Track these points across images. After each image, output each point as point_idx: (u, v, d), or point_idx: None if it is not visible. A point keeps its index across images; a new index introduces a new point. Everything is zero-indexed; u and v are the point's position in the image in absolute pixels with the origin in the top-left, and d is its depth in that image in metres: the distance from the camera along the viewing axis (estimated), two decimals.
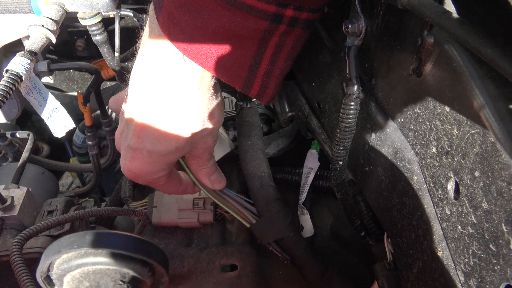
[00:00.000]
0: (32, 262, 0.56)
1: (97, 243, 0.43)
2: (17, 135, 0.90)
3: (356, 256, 0.79)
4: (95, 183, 1.00)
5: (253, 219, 0.68)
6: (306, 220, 0.78)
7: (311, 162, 0.80)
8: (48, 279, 0.48)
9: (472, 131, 0.33)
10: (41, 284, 0.48)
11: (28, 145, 0.82)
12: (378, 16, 0.43)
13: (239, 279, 0.73)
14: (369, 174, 0.55)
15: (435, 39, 0.36)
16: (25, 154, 0.80)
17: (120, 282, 0.43)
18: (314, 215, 0.82)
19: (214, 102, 0.52)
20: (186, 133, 0.51)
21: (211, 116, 0.53)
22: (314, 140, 0.80)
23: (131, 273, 0.46)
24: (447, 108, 0.36)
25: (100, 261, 0.43)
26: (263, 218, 0.66)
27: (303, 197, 0.78)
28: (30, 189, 0.73)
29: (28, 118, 1.34)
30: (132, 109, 0.51)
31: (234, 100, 0.92)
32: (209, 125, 0.53)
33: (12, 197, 0.69)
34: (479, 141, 0.32)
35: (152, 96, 0.49)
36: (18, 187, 0.73)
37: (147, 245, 0.45)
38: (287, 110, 0.74)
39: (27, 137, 0.86)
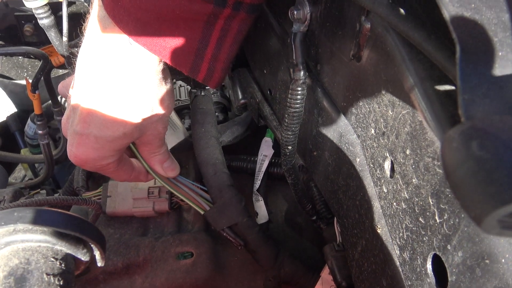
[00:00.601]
0: None
1: (27, 220, 0.42)
2: None
3: (309, 241, 0.81)
4: (47, 174, 0.97)
5: (207, 206, 0.69)
6: (260, 207, 0.80)
7: (266, 149, 0.81)
8: None
9: (404, 112, 0.35)
10: None
11: None
12: (321, 2, 0.44)
13: (195, 266, 0.73)
14: (317, 158, 0.56)
15: (371, 25, 0.37)
16: None
17: (52, 259, 0.43)
18: (269, 201, 0.83)
19: (163, 88, 0.52)
20: (134, 118, 0.50)
21: (160, 101, 0.52)
22: (269, 128, 0.81)
23: (64, 250, 0.45)
24: (383, 91, 0.38)
25: (30, 238, 0.42)
26: (216, 205, 0.67)
27: (257, 184, 0.80)
28: None
29: None
30: (79, 94, 0.50)
31: (190, 88, 0.92)
32: (158, 111, 0.53)
33: None
34: (409, 121, 0.34)
35: (99, 80, 0.48)
36: None
37: (79, 221, 0.45)
38: (240, 97, 0.74)
39: None
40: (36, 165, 1.25)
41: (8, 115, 0.62)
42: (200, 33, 0.46)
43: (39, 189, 0.94)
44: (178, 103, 0.90)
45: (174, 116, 0.78)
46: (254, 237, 0.68)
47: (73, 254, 0.46)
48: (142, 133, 0.54)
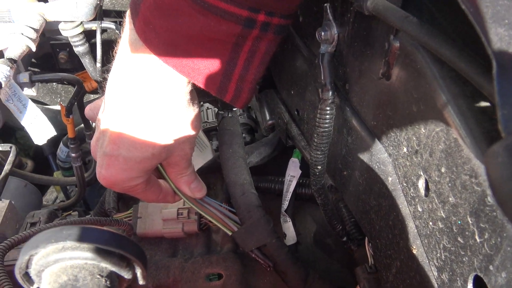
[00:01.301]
0: (12, 274, 0.56)
1: (75, 237, 0.43)
2: (0, 148, 0.90)
3: (339, 262, 0.80)
4: (79, 196, 1.00)
5: (235, 227, 0.69)
6: (288, 228, 0.79)
7: (293, 170, 0.81)
8: (27, 276, 0.48)
9: (437, 129, 0.34)
10: (20, 281, 0.48)
11: (11, 158, 0.82)
12: (348, 23, 0.44)
13: None
14: (348, 178, 0.56)
15: (400, 43, 0.37)
16: (7, 167, 0.80)
17: (98, 276, 0.44)
18: (297, 222, 0.82)
19: (191, 109, 0.53)
20: (162, 139, 0.51)
21: (188, 123, 0.53)
22: (296, 149, 0.81)
23: (109, 267, 0.46)
24: (414, 109, 0.37)
25: (78, 256, 0.44)
26: (244, 225, 0.67)
27: (285, 204, 0.79)
28: (12, 202, 0.73)
29: (13, 135, 1.34)
30: (108, 116, 0.51)
31: (217, 110, 0.93)
32: (186, 132, 0.54)
33: None
34: (443, 138, 0.34)
35: (128, 102, 0.50)
36: (0, 199, 0.72)
37: (124, 240, 0.46)
38: (267, 118, 0.75)
39: (9, 149, 0.86)
40: (68, 187, 1.29)
41: (49, 138, 0.64)
42: (228, 54, 0.47)
43: (71, 211, 0.97)
44: (206, 125, 0.92)
45: (202, 135, 0.79)
46: (284, 258, 0.67)
47: (117, 272, 0.47)
48: (170, 154, 0.55)
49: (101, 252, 0.45)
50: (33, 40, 0.56)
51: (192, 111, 0.54)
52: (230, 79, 0.50)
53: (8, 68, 0.52)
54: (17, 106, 0.55)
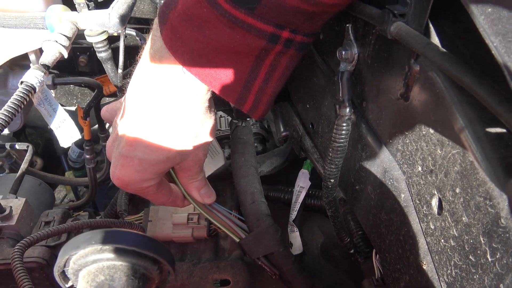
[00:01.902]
0: (29, 271, 0.58)
1: (113, 240, 0.45)
2: (16, 146, 0.92)
3: (346, 274, 0.81)
4: (90, 197, 1.02)
5: (243, 234, 0.70)
6: (295, 238, 0.81)
7: (303, 181, 0.82)
8: (63, 274, 0.50)
9: (454, 151, 0.36)
10: (57, 279, 0.50)
11: (27, 157, 0.84)
12: (369, 44, 0.46)
13: None
14: (360, 192, 0.57)
15: (420, 67, 0.39)
16: (24, 166, 0.82)
17: (132, 277, 0.46)
18: (304, 233, 0.84)
19: (208, 116, 0.55)
20: (178, 144, 0.53)
21: (204, 129, 0.55)
22: (306, 161, 0.83)
23: (142, 269, 0.48)
24: (431, 130, 0.39)
25: (114, 257, 0.46)
26: (252, 233, 0.68)
27: (293, 214, 0.81)
28: (28, 200, 0.74)
29: (22, 132, 1.36)
30: (127, 118, 0.53)
31: (230, 119, 0.95)
32: (201, 138, 0.55)
33: (11, 207, 0.70)
34: (459, 160, 0.35)
35: (148, 106, 0.52)
36: (16, 198, 0.74)
37: (157, 245, 0.48)
38: (282, 129, 0.77)
39: (26, 149, 0.88)
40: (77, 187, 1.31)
41: (74, 141, 0.66)
42: (249, 66, 0.49)
43: (81, 211, 0.98)
44: (219, 132, 0.94)
45: (214, 142, 0.81)
46: (290, 268, 0.68)
47: (149, 274, 0.49)
48: (184, 158, 0.57)
49: (136, 255, 0.47)
50: (66, 48, 0.58)
51: (209, 118, 0.56)
52: (249, 91, 0.51)
53: (42, 73, 0.54)
54: (47, 110, 0.57)
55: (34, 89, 0.52)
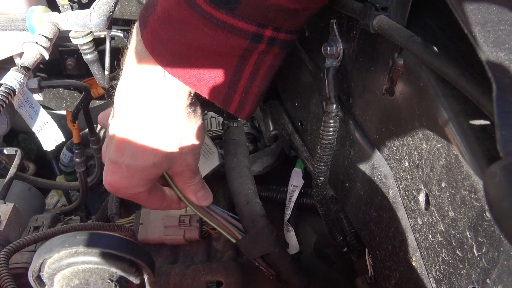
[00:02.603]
0: (16, 277, 0.57)
1: (88, 243, 0.44)
2: (5, 151, 0.91)
3: (339, 273, 0.80)
4: (81, 201, 1.00)
5: (239, 235, 0.69)
6: (291, 237, 0.80)
7: (296, 180, 0.82)
8: (38, 279, 0.49)
9: (438, 145, 0.35)
10: (32, 284, 0.49)
11: (16, 162, 0.83)
12: (354, 39, 0.46)
13: None
14: (349, 189, 0.57)
15: (404, 61, 0.39)
16: (12, 170, 0.81)
17: (108, 281, 0.45)
18: (297, 232, 0.83)
19: (192, 120, 0.54)
20: (163, 148, 0.52)
21: (189, 133, 0.54)
22: (299, 159, 0.82)
23: (119, 272, 0.47)
24: (416, 124, 0.39)
25: (90, 260, 0.45)
26: (248, 234, 0.68)
27: (288, 214, 0.80)
28: (17, 205, 0.73)
29: (15, 137, 1.35)
30: (115, 123, 0.52)
31: (221, 119, 0.95)
32: (187, 142, 0.54)
33: None
34: (444, 154, 0.35)
35: (132, 110, 0.51)
36: (5, 203, 0.73)
37: (134, 246, 0.47)
38: (271, 128, 0.76)
39: (14, 153, 0.87)
40: (69, 191, 1.29)
41: (57, 144, 0.66)
42: (234, 67, 0.48)
43: (73, 215, 0.97)
44: (210, 133, 0.93)
45: (208, 142, 0.80)
46: (287, 268, 0.68)
47: (126, 277, 0.48)
48: (172, 164, 0.56)
49: (112, 258, 0.46)
50: (47, 49, 0.58)
51: (193, 121, 0.55)
52: (235, 91, 0.51)
53: (22, 75, 0.53)
54: (28, 112, 0.56)
55: (13, 91, 0.51)
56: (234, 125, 0.74)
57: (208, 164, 0.79)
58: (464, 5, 0.27)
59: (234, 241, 0.69)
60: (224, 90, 0.50)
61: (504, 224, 0.16)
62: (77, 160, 0.90)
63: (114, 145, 0.53)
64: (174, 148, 0.54)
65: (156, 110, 0.51)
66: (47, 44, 0.57)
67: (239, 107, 0.53)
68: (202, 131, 0.57)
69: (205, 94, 0.50)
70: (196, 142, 0.56)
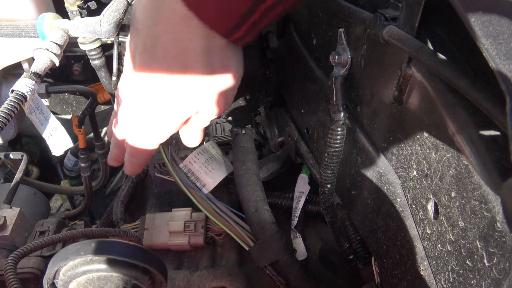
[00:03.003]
0: (23, 282, 0.57)
1: (102, 251, 0.44)
2: (11, 156, 0.91)
3: (345, 280, 0.80)
4: (86, 206, 1.01)
5: (250, 240, 0.70)
6: (299, 243, 0.80)
7: (302, 186, 0.82)
8: (53, 286, 0.49)
9: (448, 155, 0.36)
10: None
11: (22, 166, 0.83)
12: (362, 48, 0.46)
13: None
14: (356, 197, 0.57)
15: (413, 71, 0.39)
16: (18, 175, 0.81)
17: None
18: (305, 238, 0.83)
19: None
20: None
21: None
22: (304, 165, 0.82)
23: (133, 280, 0.47)
24: (425, 134, 0.39)
25: (104, 268, 0.45)
26: (258, 242, 0.68)
27: (295, 220, 0.80)
28: (22, 210, 0.74)
29: (18, 141, 1.35)
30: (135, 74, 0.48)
31: (227, 125, 0.95)
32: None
33: (5, 217, 0.69)
34: (454, 164, 0.35)
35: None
36: (11, 207, 0.73)
37: (148, 254, 0.47)
38: (277, 135, 0.77)
39: (20, 158, 0.87)
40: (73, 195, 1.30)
41: (66, 149, 0.66)
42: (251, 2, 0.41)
43: (77, 220, 0.97)
44: (215, 139, 0.93)
45: (219, 154, 0.80)
46: (296, 275, 0.68)
47: (140, 284, 0.49)
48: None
49: (126, 266, 0.46)
50: (57, 56, 0.58)
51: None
52: (243, 23, 0.44)
53: (33, 82, 0.53)
54: (39, 118, 0.57)
55: (25, 97, 0.51)
56: (243, 132, 0.74)
57: (220, 172, 0.79)
58: (476, 18, 0.28)
59: (247, 248, 0.69)
60: (234, 21, 0.44)
61: None
62: (83, 165, 0.91)
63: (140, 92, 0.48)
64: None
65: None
66: (57, 50, 0.58)
67: (240, 38, 0.46)
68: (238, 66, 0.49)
69: (207, 22, 0.43)
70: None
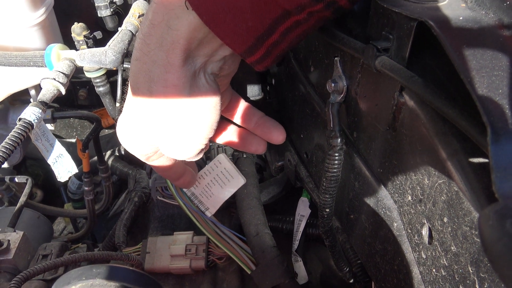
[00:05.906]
0: None
1: (104, 276, 0.45)
2: (16, 179, 0.93)
3: None
4: (89, 229, 1.01)
5: (251, 262, 0.70)
6: (300, 267, 0.80)
7: (303, 209, 0.82)
8: None
9: (440, 181, 0.37)
10: None
11: (26, 190, 0.84)
12: (357, 77, 0.48)
13: None
14: (354, 221, 0.58)
15: (406, 99, 0.40)
16: (22, 199, 0.83)
17: None
18: (306, 262, 0.83)
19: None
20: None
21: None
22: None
23: None
24: (418, 160, 0.40)
25: None
26: (260, 265, 0.68)
27: (296, 244, 0.81)
28: (26, 233, 0.75)
29: (23, 163, 1.37)
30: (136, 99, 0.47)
31: (228, 149, 0.96)
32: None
33: (9, 241, 0.70)
34: (445, 190, 0.36)
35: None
36: (15, 231, 0.74)
37: (149, 280, 0.48)
38: (277, 159, 0.78)
39: (25, 181, 0.89)
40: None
41: (71, 175, 0.67)
42: (272, 19, 0.41)
43: (80, 243, 0.98)
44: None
45: (231, 165, 0.80)
46: None
47: None
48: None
49: None
50: (64, 85, 0.60)
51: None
52: (262, 44, 0.44)
53: (40, 110, 0.55)
54: (44, 145, 0.58)
55: (32, 125, 0.53)
56: (244, 156, 0.75)
57: (235, 183, 0.78)
58: (460, 51, 0.29)
59: (249, 271, 0.70)
60: (250, 41, 0.43)
61: (498, 265, 0.17)
62: (86, 188, 0.92)
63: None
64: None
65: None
66: (64, 80, 0.60)
67: (259, 60, 0.46)
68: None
69: (225, 39, 0.42)
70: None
